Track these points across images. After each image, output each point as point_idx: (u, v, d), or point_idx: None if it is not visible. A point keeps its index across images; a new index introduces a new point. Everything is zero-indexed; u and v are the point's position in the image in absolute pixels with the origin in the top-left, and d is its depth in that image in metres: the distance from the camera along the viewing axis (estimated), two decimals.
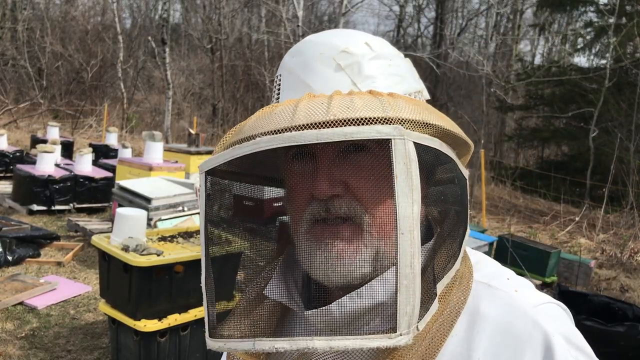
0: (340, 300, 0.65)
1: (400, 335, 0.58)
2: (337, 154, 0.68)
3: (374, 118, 0.60)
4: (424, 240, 0.71)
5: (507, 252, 6.03)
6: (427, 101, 0.79)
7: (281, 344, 0.60)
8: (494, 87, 17.81)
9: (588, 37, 16.43)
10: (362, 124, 0.60)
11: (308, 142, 0.60)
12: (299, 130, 0.61)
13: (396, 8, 28.00)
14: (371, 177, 0.66)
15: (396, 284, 0.58)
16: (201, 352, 3.50)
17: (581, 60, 62.20)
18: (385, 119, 0.61)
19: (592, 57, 17.16)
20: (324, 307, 0.65)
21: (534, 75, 15.72)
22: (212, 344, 0.68)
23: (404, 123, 0.61)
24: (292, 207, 0.73)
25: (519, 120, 18.95)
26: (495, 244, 6.28)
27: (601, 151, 13.41)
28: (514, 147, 18.30)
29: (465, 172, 0.75)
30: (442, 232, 0.73)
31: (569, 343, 0.66)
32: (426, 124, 0.63)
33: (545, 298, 0.72)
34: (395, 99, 0.65)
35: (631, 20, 13.54)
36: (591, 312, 4.08)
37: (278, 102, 0.76)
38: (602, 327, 3.71)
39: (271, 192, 0.82)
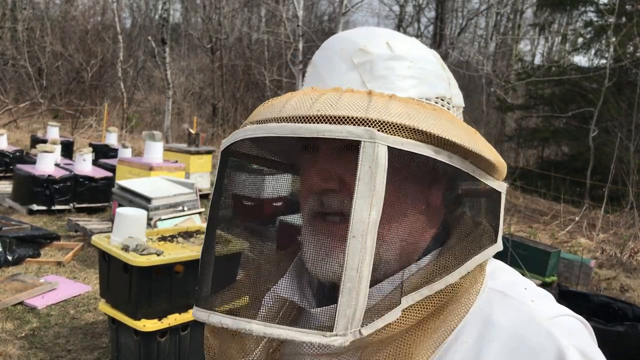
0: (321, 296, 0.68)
1: (336, 335, 0.58)
2: (336, 150, 0.68)
3: (353, 118, 0.60)
4: (425, 252, 0.71)
5: (507, 252, 6.03)
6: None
7: (226, 321, 0.64)
8: (494, 86, 17.82)
9: (588, 37, 16.42)
10: (342, 122, 0.60)
11: (285, 135, 0.62)
12: (283, 122, 0.63)
13: (396, 8, 28.02)
14: (351, 175, 0.65)
15: (340, 285, 0.58)
16: (201, 352, 3.49)
17: (581, 60, 62.26)
18: (365, 120, 0.60)
19: (592, 56, 17.18)
20: (303, 300, 0.69)
21: (534, 75, 15.73)
22: (193, 311, 0.71)
23: (385, 126, 0.60)
24: (300, 200, 0.75)
25: (519, 120, 18.94)
26: None
27: (601, 151, 13.41)
28: (514, 147, 18.29)
29: (499, 186, 0.72)
30: (433, 245, 0.72)
31: (584, 358, 0.64)
32: (414, 129, 0.61)
33: (563, 310, 0.70)
34: (390, 101, 0.63)
35: (631, 20, 13.54)
36: (591, 312, 4.08)
37: None
38: (602, 327, 3.71)
39: (285, 181, 0.84)
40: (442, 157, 0.64)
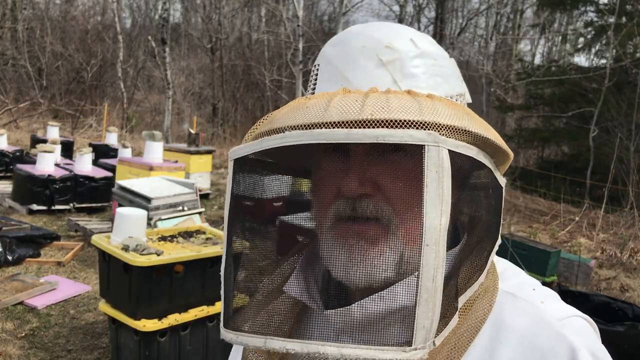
0: (361, 301, 0.63)
1: (416, 349, 0.56)
2: (370, 152, 0.65)
3: (409, 121, 0.58)
4: (449, 250, 0.68)
5: (507, 252, 6.03)
6: (468, 104, 0.77)
7: (292, 345, 0.59)
8: (494, 86, 17.83)
9: (588, 37, 16.43)
10: (397, 126, 0.58)
11: (338, 142, 0.58)
12: (330, 127, 0.59)
13: (396, 8, 27.97)
14: (403, 180, 0.62)
15: (416, 297, 0.56)
16: (201, 352, 3.49)
17: (581, 59, 62.25)
18: (421, 123, 0.58)
19: (592, 56, 17.19)
20: (345, 307, 0.63)
21: (534, 75, 15.73)
22: (225, 334, 0.66)
23: (440, 128, 0.59)
24: (318, 201, 0.70)
25: (519, 120, 18.94)
26: None
27: (601, 151, 13.40)
28: (514, 147, 18.28)
29: (502, 181, 0.72)
30: (470, 243, 0.70)
31: (595, 359, 0.65)
32: (464, 130, 0.60)
33: (571, 311, 0.70)
34: (434, 102, 0.62)
35: (631, 19, 13.54)
36: (591, 312, 4.07)
37: (313, 93, 0.73)
38: (602, 327, 3.71)
39: (298, 185, 0.78)
40: (481, 157, 0.64)
